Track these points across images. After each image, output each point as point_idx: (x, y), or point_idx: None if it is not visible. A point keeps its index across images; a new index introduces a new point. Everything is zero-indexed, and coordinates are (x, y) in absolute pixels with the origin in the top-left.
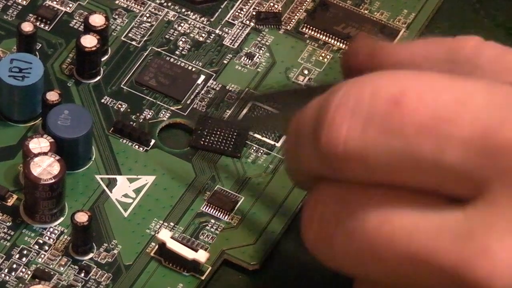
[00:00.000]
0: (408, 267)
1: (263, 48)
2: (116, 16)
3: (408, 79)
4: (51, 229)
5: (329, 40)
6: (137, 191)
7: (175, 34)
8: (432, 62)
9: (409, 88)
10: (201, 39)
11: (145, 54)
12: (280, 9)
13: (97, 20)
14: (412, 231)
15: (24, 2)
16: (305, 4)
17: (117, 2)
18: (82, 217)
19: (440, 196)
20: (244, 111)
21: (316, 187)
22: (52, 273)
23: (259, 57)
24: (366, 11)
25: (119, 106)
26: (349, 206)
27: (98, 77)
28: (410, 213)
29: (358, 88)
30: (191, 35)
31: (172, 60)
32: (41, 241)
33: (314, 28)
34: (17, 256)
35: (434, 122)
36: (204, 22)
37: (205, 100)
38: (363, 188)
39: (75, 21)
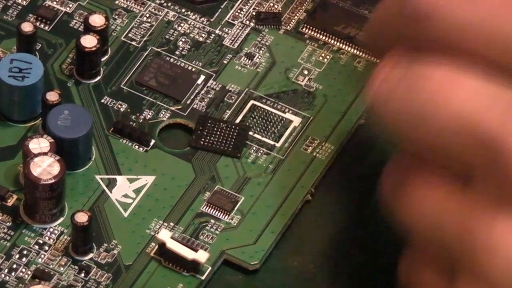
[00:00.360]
0: (453, 129)
1: (263, 48)
2: (116, 16)
3: None
4: (51, 229)
5: (329, 40)
6: (137, 191)
7: (175, 34)
8: None
9: None
10: (201, 39)
11: (145, 54)
12: (280, 9)
13: (97, 20)
14: (469, 96)
15: (24, 2)
16: (305, 4)
17: (117, 2)
18: (82, 217)
19: (505, 74)
20: (244, 111)
21: (393, 49)
22: (52, 273)
23: (259, 57)
24: (366, 11)
25: (119, 106)
26: (420, 61)
27: (98, 77)
28: (473, 80)
29: None
30: (191, 35)
31: (172, 60)
32: (41, 241)
33: (314, 28)
34: (17, 256)
35: None
36: (204, 22)
37: (205, 100)
38: (436, 51)
39: (75, 21)
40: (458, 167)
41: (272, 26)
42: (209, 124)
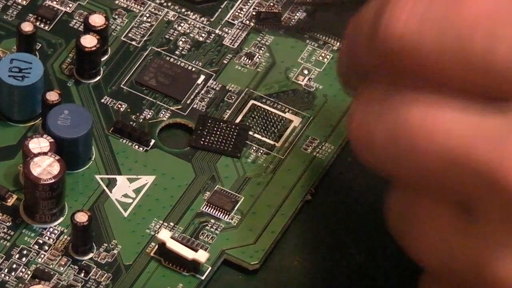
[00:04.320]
0: (443, 164)
1: (263, 48)
2: (116, 16)
3: None
4: (51, 229)
5: (329, 40)
6: (137, 191)
7: (175, 34)
8: None
9: None
10: (201, 39)
11: (145, 54)
12: (280, 9)
13: (97, 20)
14: (452, 127)
15: (24, 2)
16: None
17: (117, 2)
18: (82, 217)
19: (484, 100)
20: (244, 111)
21: (365, 83)
22: (52, 273)
23: (259, 57)
24: None
25: (119, 106)
26: (394, 99)
27: (98, 77)
28: (452, 110)
29: None
30: (191, 35)
31: (172, 60)
32: (41, 241)
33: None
34: (17, 256)
35: (489, 19)
36: (204, 22)
37: (205, 100)
38: (410, 85)
39: (75, 21)
40: (458, 198)
41: (272, 26)
42: (209, 124)
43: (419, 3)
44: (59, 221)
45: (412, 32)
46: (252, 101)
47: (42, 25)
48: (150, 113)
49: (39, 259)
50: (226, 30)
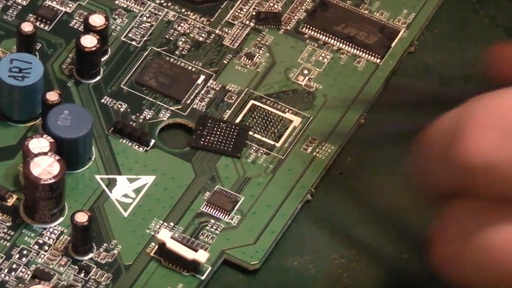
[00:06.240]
0: None
1: (263, 48)
2: (116, 16)
3: None
4: (51, 229)
5: (329, 40)
6: (137, 191)
7: (175, 34)
8: None
9: None
10: (201, 39)
11: (145, 54)
12: (280, 9)
13: (97, 20)
14: None
15: (24, 2)
16: (305, 4)
17: (117, 2)
18: (82, 217)
19: None
20: (244, 111)
21: (448, 205)
22: (52, 273)
23: (259, 57)
24: (366, 11)
25: (119, 106)
26: (480, 222)
27: (98, 77)
28: None
29: (497, 102)
30: (191, 35)
31: (172, 60)
32: (41, 241)
33: (314, 28)
34: (17, 256)
35: None
36: (204, 22)
37: (205, 100)
38: (494, 203)
39: (75, 21)
40: None
41: (272, 26)
42: (209, 124)
43: (499, 121)
44: (59, 221)
45: (493, 150)
46: (252, 101)
47: (42, 25)
48: (150, 113)
49: (39, 259)
50: (226, 30)
